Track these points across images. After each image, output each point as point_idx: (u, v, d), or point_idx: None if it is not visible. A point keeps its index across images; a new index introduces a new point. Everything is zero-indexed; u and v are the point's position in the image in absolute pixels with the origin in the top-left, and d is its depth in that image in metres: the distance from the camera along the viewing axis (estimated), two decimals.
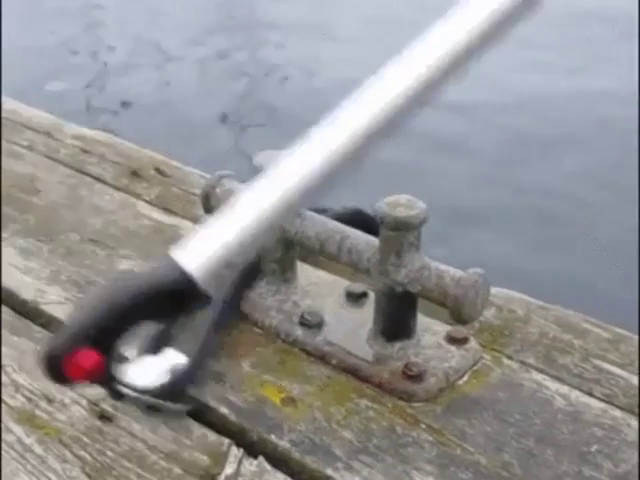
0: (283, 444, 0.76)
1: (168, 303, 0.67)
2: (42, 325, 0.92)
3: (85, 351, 0.66)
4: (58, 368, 0.67)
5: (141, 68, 4.02)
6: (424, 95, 0.64)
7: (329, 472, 0.74)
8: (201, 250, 0.66)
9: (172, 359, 0.72)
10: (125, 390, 0.71)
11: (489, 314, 0.91)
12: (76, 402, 0.81)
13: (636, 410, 0.80)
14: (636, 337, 0.89)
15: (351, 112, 0.64)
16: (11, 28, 4.05)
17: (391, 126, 0.64)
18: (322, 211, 0.91)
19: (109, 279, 0.77)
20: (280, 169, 0.66)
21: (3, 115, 1.37)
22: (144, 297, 0.67)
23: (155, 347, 0.72)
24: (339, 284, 0.94)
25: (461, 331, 0.86)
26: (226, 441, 0.77)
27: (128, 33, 4.37)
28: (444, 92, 0.65)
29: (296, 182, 0.65)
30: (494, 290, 0.91)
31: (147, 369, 0.71)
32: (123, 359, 0.69)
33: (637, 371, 0.84)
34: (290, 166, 0.66)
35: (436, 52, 0.64)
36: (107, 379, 0.70)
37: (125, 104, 3.65)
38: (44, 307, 0.94)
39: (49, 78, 3.89)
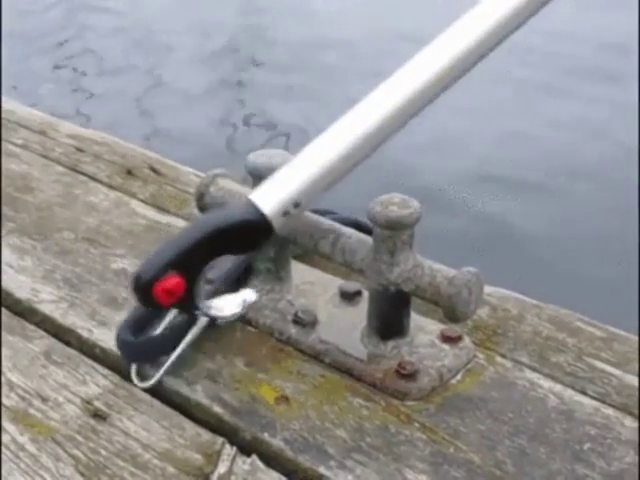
0: (276, 443, 0.77)
1: (244, 239, 0.80)
2: (36, 324, 0.92)
3: (173, 278, 0.76)
4: (149, 293, 0.76)
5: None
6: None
7: (322, 470, 0.74)
8: (274, 193, 0.79)
9: (246, 296, 0.83)
10: (202, 316, 0.84)
11: (483, 313, 0.91)
12: (70, 401, 0.81)
13: (630, 409, 0.80)
14: (630, 335, 0.89)
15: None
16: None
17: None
18: (324, 213, 0.91)
19: (195, 217, 0.85)
20: (344, 124, 0.80)
21: None
22: (225, 232, 0.79)
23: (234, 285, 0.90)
24: (333, 283, 0.94)
25: (455, 330, 0.86)
26: (219, 440, 0.77)
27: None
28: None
29: (357, 137, 0.78)
30: (488, 289, 0.92)
31: (224, 302, 0.83)
32: (204, 291, 0.82)
33: (629, 369, 0.84)
34: (352, 122, 0.79)
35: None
36: (190, 306, 0.80)
37: None
38: (38, 306, 0.94)
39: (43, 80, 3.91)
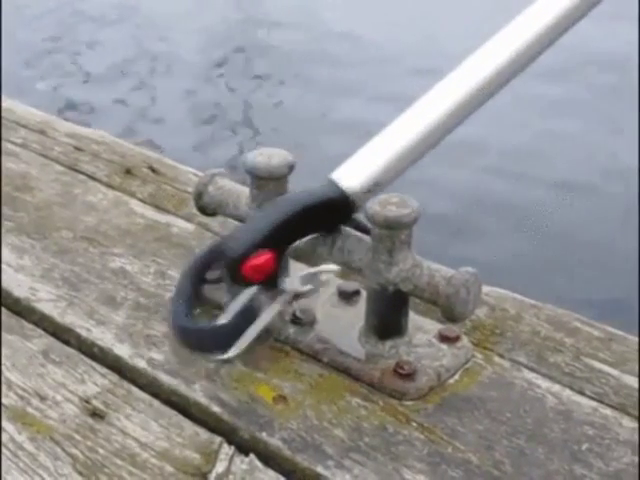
0: (274, 442, 0.77)
1: (328, 217, 0.83)
2: (35, 323, 0.92)
3: (263, 255, 0.79)
4: (239, 270, 0.78)
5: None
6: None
7: (320, 470, 0.74)
8: (356, 172, 0.83)
9: (325, 269, 0.86)
10: (284, 292, 0.84)
11: (481, 313, 0.91)
12: (68, 400, 0.81)
13: (628, 409, 0.80)
14: (627, 335, 0.89)
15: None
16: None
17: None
18: None
19: (280, 196, 0.87)
20: (421, 107, 0.84)
21: None
22: (309, 210, 0.82)
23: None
24: (331, 282, 0.94)
25: (453, 330, 0.86)
26: (217, 439, 0.77)
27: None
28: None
29: (435, 120, 0.82)
30: (486, 289, 0.92)
31: (305, 278, 0.85)
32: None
33: (627, 369, 0.84)
34: (429, 106, 0.83)
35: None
36: (275, 283, 0.82)
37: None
38: (36, 305, 0.94)
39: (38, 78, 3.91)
